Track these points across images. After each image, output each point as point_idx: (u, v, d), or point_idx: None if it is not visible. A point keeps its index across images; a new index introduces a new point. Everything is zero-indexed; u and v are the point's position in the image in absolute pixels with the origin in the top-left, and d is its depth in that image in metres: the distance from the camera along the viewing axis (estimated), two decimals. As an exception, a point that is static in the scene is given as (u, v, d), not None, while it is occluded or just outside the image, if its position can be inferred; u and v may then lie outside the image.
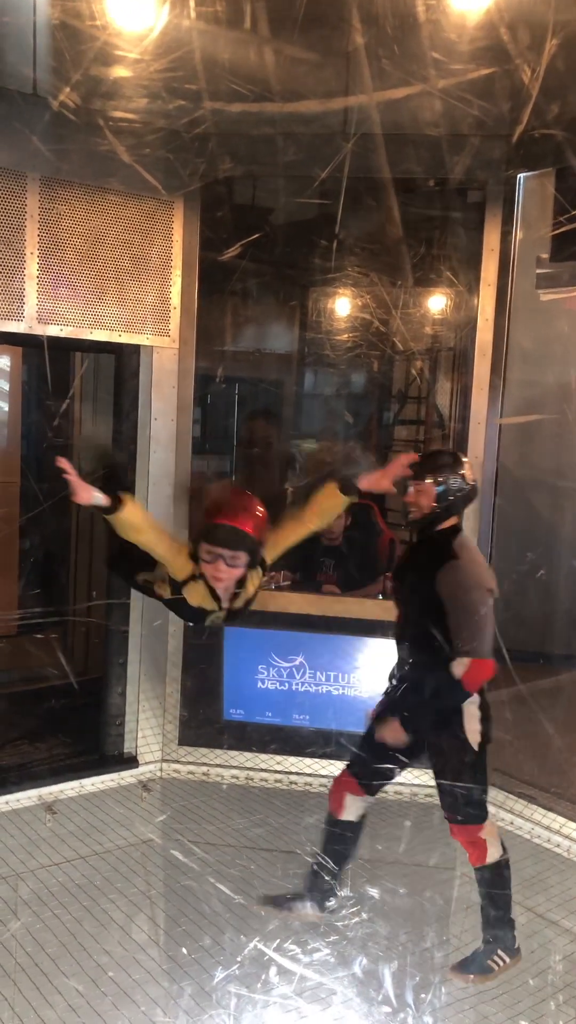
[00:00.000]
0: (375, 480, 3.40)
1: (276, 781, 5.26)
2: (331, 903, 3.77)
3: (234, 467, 6.80)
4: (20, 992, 3.41)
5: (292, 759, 5.29)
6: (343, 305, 6.30)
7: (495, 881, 3.55)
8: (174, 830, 4.70)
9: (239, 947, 3.62)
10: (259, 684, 5.39)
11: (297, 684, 5.37)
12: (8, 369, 6.75)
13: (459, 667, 3.42)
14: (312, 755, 5.27)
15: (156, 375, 5.22)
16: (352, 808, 3.72)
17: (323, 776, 5.22)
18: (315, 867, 3.76)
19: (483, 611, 3.47)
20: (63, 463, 3.02)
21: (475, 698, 3.53)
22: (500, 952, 3.56)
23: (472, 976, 3.54)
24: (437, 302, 6.00)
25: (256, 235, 5.13)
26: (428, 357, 6.52)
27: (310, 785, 5.22)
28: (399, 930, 3.85)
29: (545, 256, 5.10)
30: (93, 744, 5.31)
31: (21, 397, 6.81)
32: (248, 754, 5.33)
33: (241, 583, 3.24)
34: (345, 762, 3.87)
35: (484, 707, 3.58)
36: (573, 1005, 3.46)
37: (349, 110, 4.69)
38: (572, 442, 6.87)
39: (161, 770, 5.33)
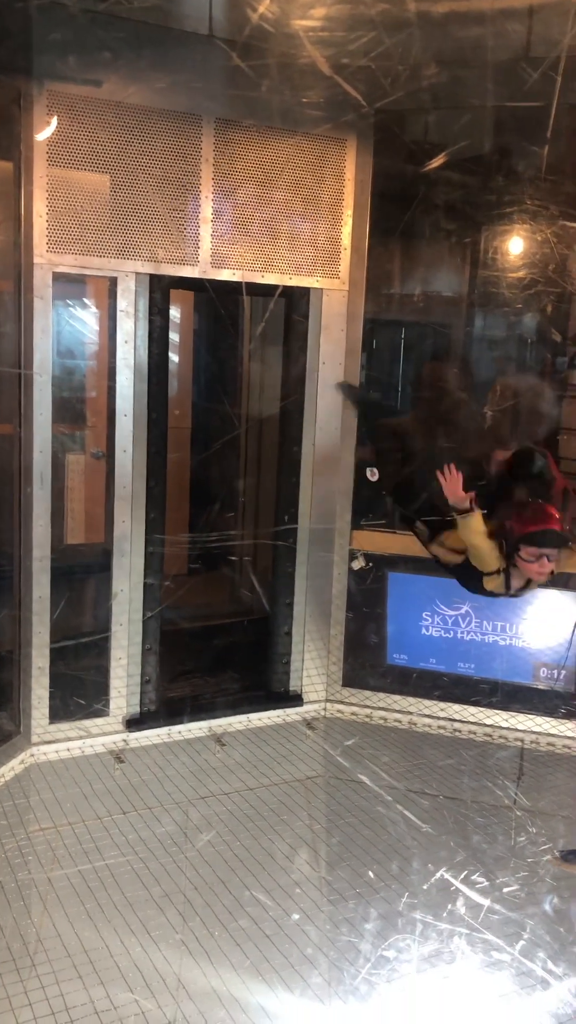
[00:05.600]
0: None
1: (440, 727, 5.25)
2: None
3: (398, 414, 6.70)
4: (219, 900, 3.62)
5: (456, 707, 5.26)
6: (518, 243, 6.03)
7: None
8: (340, 767, 4.77)
9: (426, 875, 3.67)
10: (423, 631, 5.37)
11: (462, 632, 5.32)
12: (179, 319, 6.88)
13: None
14: (477, 704, 5.23)
15: (325, 318, 5.20)
16: None
17: (488, 726, 5.17)
18: None
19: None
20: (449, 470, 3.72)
21: None
22: None
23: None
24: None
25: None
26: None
27: (474, 734, 5.18)
28: None
29: None
30: (260, 681, 5.46)
31: (192, 344, 6.95)
32: (411, 699, 5.34)
33: None
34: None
35: None
36: None
37: (532, 35, 4.43)
38: None
39: (325, 709, 5.43)
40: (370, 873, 3.79)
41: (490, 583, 3.86)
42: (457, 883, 3.58)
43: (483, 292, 6.37)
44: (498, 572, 3.79)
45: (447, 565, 4.09)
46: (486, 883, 3.60)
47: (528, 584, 3.89)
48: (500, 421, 5.93)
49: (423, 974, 3.16)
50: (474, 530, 3.73)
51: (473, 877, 3.62)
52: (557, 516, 3.69)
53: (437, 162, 5.10)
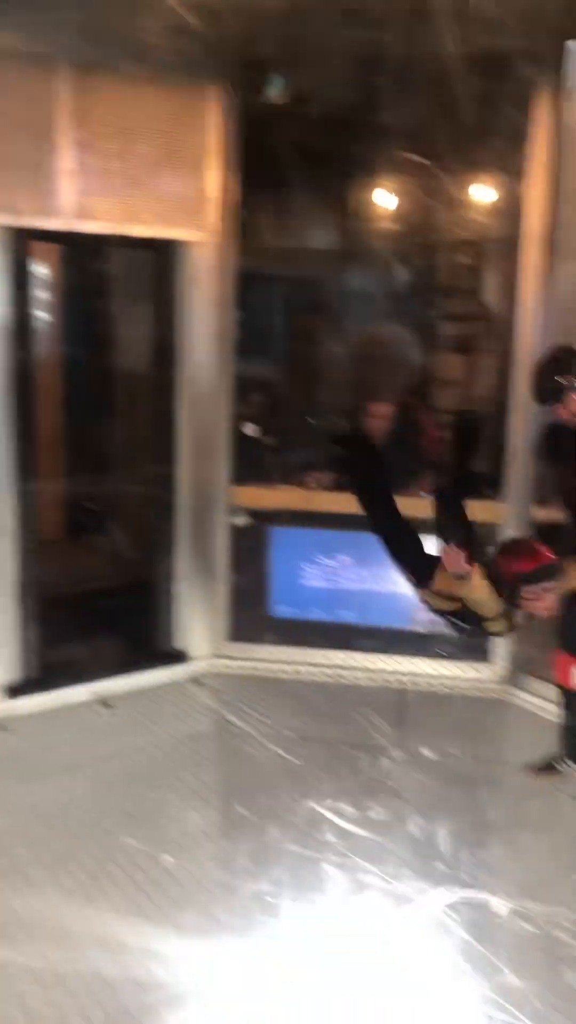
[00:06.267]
0: None
1: (324, 675, 5.34)
2: None
3: (275, 369, 6.70)
4: (100, 849, 3.64)
5: (339, 654, 5.36)
6: (387, 196, 6.07)
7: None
8: (228, 721, 4.81)
9: (294, 807, 3.76)
10: (306, 582, 5.44)
11: (343, 582, 5.41)
12: (43, 274, 6.63)
13: None
14: (359, 650, 5.34)
15: (195, 271, 5.12)
16: None
17: (370, 670, 5.30)
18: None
19: None
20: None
21: None
22: (570, 761, 3.99)
23: (537, 773, 4.04)
24: (484, 187, 5.75)
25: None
26: (475, 247, 6.29)
27: (357, 679, 5.30)
28: (455, 789, 4.01)
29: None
30: (144, 641, 5.42)
31: (58, 299, 6.73)
32: (296, 649, 5.41)
33: None
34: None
35: None
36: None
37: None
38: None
39: (211, 665, 5.44)
40: (255, 816, 3.84)
41: (494, 626, 3.80)
42: (329, 815, 3.69)
43: (354, 245, 6.41)
44: (499, 615, 3.73)
45: (441, 611, 3.91)
46: (357, 812, 3.74)
47: (532, 617, 3.86)
48: (372, 373, 6.01)
49: (296, 903, 3.25)
50: (475, 587, 3.65)
51: (346, 809, 3.74)
52: (543, 548, 3.68)
53: (302, 110, 5.07)
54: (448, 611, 3.80)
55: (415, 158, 5.42)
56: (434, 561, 3.71)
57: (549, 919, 3.17)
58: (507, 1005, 2.80)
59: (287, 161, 5.61)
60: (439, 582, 3.69)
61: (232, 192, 5.11)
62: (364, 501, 4.11)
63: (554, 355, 3.93)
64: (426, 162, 5.42)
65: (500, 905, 3.26)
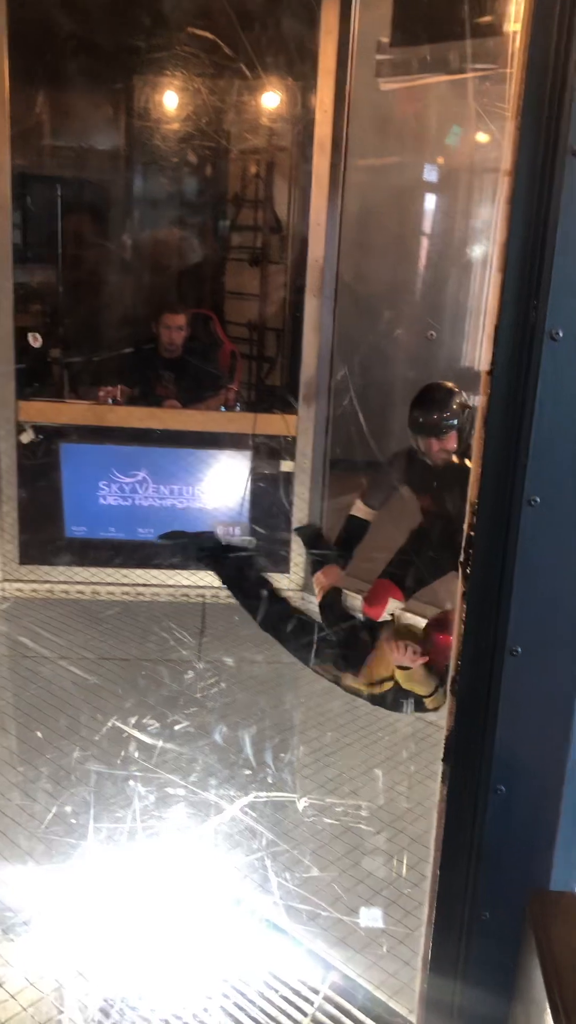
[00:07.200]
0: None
1: (123, 594, 5.27)
2: None
3: (61, 277, 6.36)
4: None
5: (138, 571, 5.30)
6: (172, 94, 5.80)
7: None
8: (22, 644, 4.66)
9: (96, 727, 3.72)
10: (101, 500, 5.29)
11: (140, 499, 5.31)
12: None
13: None
14: (158, 567, 5.29)
15: (-34, 167, 4.70)
16: None
17: (170, 586, 5.28)
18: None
19: None
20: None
21: None
22: None
23: None
24: (271, 92, 5.62)
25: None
26: (263, 155, 6.18)
27: (158, 596, 5.27)
28: (257, 696, 4.10)
29: (386, 41, 4.81)
30: None
31: None
32: (93, 569, 5.28)
33: None
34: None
35: None
36: (418, 760, 3.81)
37: None
38: (408, 252, 6.84)
39: (3, 589, 5.22)
40: (56, 739, 3.77)
41: (434, 702, 3.59)
42: (133, 731, 3.70)
43: (139, 147, 6.12)
44: (437, 688, 3.53)
45: (374, 697, 3.71)
46: (161, 726, 3.77)
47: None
48: (163, 282, 5.83)
49: (100, 822, 3.24)
50: (415, 671, 3.49)
51: (150, 723, 3.76)
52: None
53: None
54: (381, 693, 3.67)
55: (199, 55, 5.16)
56: (364, 651, 3.67)
57: (348, 813, 3.35)
58: (310, 896, 2.94)
59: (65, 50, 5.25)
60: (371, 671, 3.60)
61: (3, 81, 4.67)
62: (255, 613, 4.09)
63: (438, 393, 3.88)
64: (221, 42, 5.17)
65: (303, 803, 3.40)
